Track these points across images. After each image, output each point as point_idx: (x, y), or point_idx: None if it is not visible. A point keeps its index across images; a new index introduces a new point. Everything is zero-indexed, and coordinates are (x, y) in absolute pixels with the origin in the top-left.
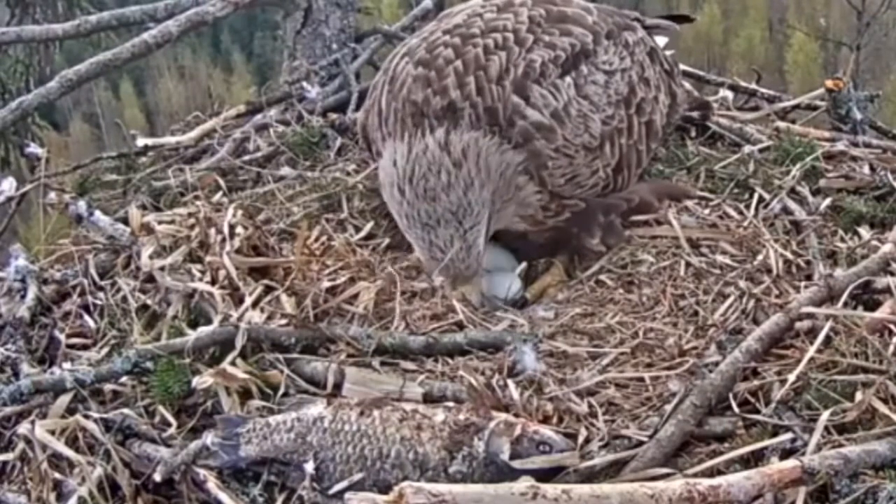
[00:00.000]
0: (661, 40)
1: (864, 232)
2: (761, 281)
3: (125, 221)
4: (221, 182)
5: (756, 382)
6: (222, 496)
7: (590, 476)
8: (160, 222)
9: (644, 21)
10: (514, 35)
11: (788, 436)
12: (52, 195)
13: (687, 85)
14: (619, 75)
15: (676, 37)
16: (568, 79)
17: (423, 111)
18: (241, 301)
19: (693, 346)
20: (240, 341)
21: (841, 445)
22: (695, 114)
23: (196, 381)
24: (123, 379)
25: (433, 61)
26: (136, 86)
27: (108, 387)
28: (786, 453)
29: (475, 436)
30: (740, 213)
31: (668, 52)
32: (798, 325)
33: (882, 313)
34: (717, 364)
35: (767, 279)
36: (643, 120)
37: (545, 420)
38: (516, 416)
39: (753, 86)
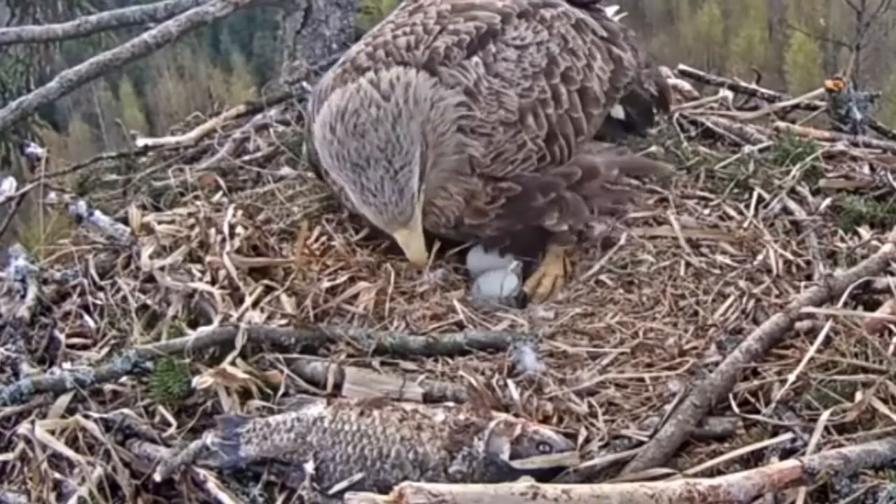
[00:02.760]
0: (610, 10)
1: (864, 232)
2: (761, 281)
3: (125, 221)
4: (221, 182)
5: (756, 382)
6: (222, 496)
7: (590, 476)
8: (160, 222)
9: None
10: (422, 27)
11: (788, 436)
12: (52, 195)
13: (676, 81)
14: (535, 48)
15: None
16: (475, 58)
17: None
18: (241, 301)
19: (693, 346)
20: (240, 341)
21: (841, 445)
22: (655, 90)
23: (196, 381)
24: (123, 379)
25: (349, 58)
26: (136, 86)
27: (108, 387)
28: (786, 453)
29: (475, 436)
30: (740, 213)
31: (616, 17)
32: (798, 325)
33: (882, 313)
34: (717, 364)
35: (767, 279)
36: (573, 88)
37: (545, 420)
38: (516, 416)
39: (753, 86)
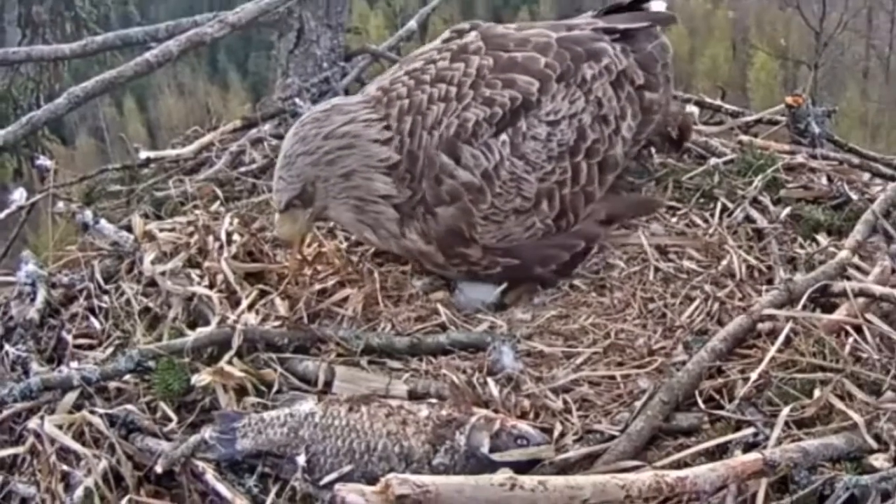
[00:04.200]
0: (658, 4)
1: (822, 239)
2: (725, 285)
3: (129, 229)
4: (219, 192)
5: (720, 380)
6: (220, 487)
7: (564, 468)
8: (161, 230)
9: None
10: (457, 88)
11: (751, 430)
12: (60, 204)
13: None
14: (566, 123)
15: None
16: (504, 136)
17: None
18: (237, 304)
19: (661, 346)
20: (236, 342)
21: (800, 439)
22: (675, 134)
23: (195, 379)
24: (127, 377)
25: (389, 91)
26: (139, 102)
27: (112, 384)
28: (748, 447)
29: (457, 430)
30: (706, 221)
31: (662, 10)
32: (760, 326)
33: (839, 315)
34: (683, 363)
35: (731, 283)
36: (595, 160)
37: (522, 415)
38: (495, 411)
39: (718, 102)
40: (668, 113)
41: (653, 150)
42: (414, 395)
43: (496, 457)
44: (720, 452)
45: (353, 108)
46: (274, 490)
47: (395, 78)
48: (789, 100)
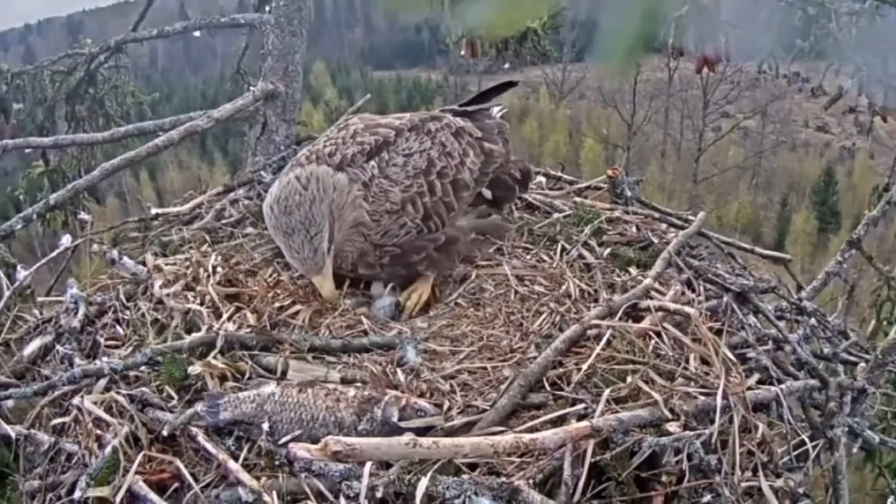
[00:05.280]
0: (496, 109)
1: (633, 270)
2: (565, 303)
3: (143, 264)
4: (207, 237)
5: (561, 370)
6: (208, 446)
7: (451, 432)
8: (166, 264)
9: (462, 107)
10: (341, 140)
11: (582, 406)
12: (95, 246)
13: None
14: (418, 155)
15: (509, 118)
16: (372, 162)
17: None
18: (220, 316)
19: (519, 346)
20: (219, 343)
21: (617, 412)
22: (519, 175)
23: (191, 370)
24: (142, 368)
25: (297, 158)
26: (151, 174)
27: (132, 373)
28: (581, 417)
29: (375, 405)
30: (550, 258)
31: (500, 113)
32: (589, 332)
33: (644, 324)
34: (535, 358)
35: (569, 302)
36: (447, 181)
37: (421, 395)
38: (402, 392)
39: (559, 174)
40: (509, 160)
41: (513, 207)
42: (345, 381)
43: (403, 424)
44: (561, 421)
45: (299, 172)
46: (246, 448)
47: (298, 156)
48: (609, 172)
